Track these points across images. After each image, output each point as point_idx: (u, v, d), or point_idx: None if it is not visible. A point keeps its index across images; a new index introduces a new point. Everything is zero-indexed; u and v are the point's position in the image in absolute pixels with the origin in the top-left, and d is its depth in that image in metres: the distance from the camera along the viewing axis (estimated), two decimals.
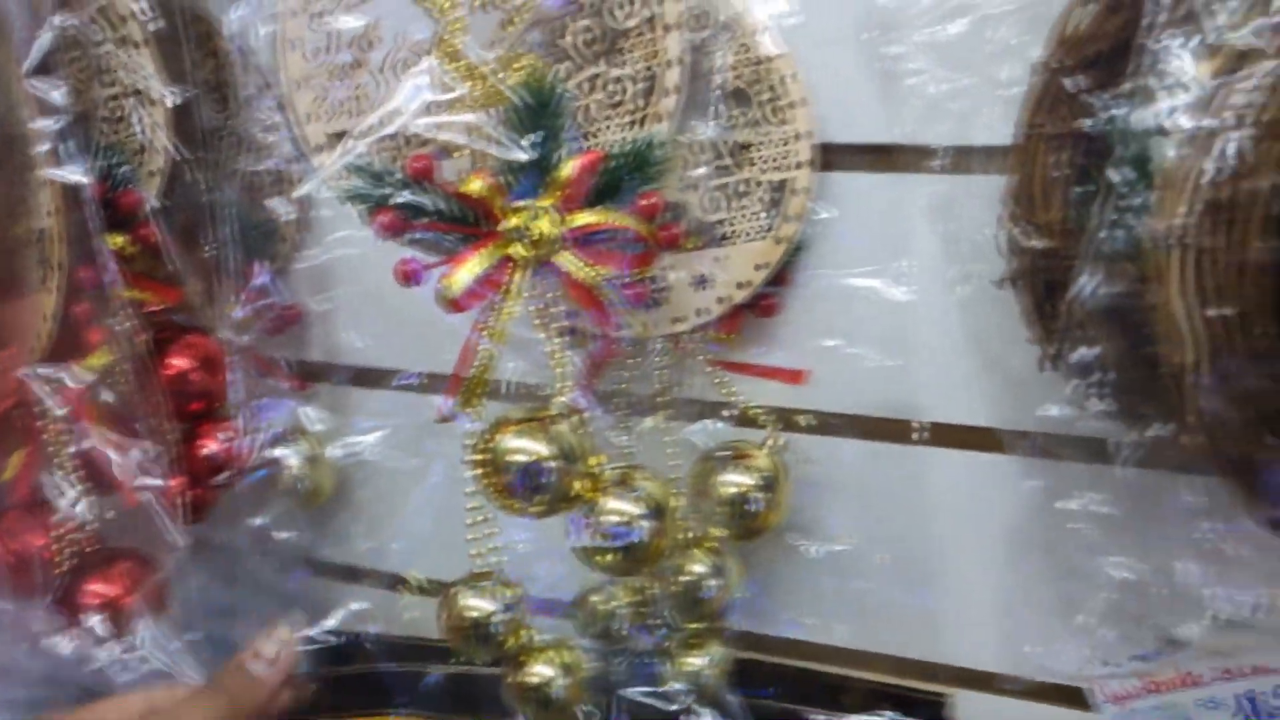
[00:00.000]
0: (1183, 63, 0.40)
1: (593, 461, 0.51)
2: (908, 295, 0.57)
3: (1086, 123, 0.46)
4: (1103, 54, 0.46)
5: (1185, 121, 0.40)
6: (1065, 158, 0.48)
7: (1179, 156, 0.40)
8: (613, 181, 0.51)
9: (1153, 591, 0.51)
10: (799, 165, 0.56)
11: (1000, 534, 0.57)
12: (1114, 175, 0.43)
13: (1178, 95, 0.40)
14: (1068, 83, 0.47)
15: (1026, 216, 0.49)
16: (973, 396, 0.56)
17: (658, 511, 0.52)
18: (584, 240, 0.51)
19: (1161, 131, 0.41)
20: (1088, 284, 0.44)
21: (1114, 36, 0.45)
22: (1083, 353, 0.45)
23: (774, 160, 0.56)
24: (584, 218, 0.50)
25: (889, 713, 0.61)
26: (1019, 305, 0.51)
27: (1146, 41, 0.41)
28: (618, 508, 0.51)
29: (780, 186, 0.56)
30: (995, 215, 0.51)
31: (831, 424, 0.60)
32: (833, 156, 0.57)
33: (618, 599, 0.60)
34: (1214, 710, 0.57)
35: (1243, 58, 0.40)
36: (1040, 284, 0.49)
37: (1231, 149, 0.39)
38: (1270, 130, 0.39)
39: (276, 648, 0.56)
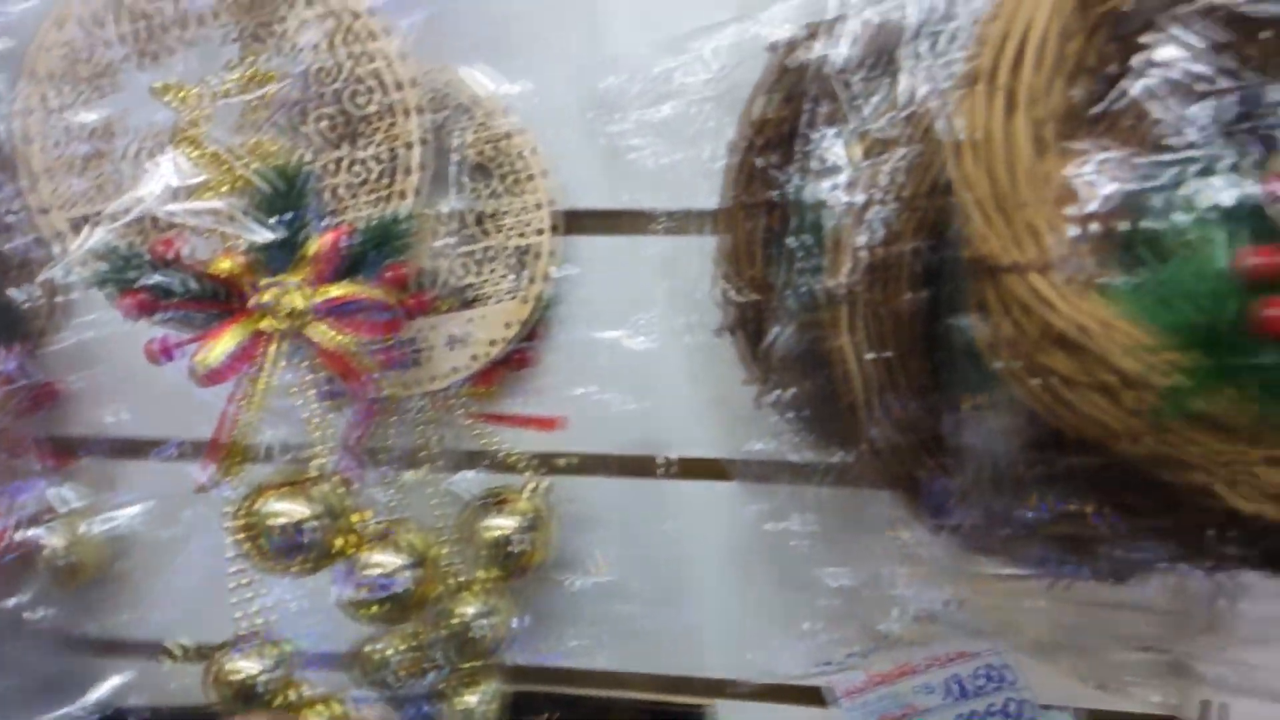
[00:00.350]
0: (836, 148, 0.48)
1: (355, 518, 0.54)
2: (646, 344, 0.63)
3: (774, 194, 0.53)
4: (783, 136, 0.53)
5: (843, 196, 0.48)
6: (761, 224, 0.54)
7: (840, 225, 0.48)
8: (360, 255, 0.54)
9: (864, 595, 0.59)
10: (540, 231, 0.61)
11: (736, 554, 0.64)
12: (793, 241, 0.50)
13: (835, 175, 0.48)
14: (757, 160, 0.54)
15: (734, 274, 0.56)
16: (706, 432, 0.63)
17: (420, 561, 0.55)
18: (335, 311, 0.54)
19: (825, 205, 0.48)
20: (780, 333, 0.52)
21: (791, 121, 0.52)
22: (779, 393, 0.52)
23: (517, 228, 0.61)
24: (334, 290, 0.53)
25: None
26: (736, 351, 0.57)
27: (808, 132, 0.49)
28: (379, 560, 0.54)
29: (525, 251, 0.61)
30: (711, 272, 0.57)
31: (588, 464, 0.65)
32: (574, 221, 0.62)
33: (393, 647, 0.62)
34: (930, 694, 0.65)
35: (884, 144, 0.47)
36: (750, 332, 0.56)
37: (879, 219, 0.47)
38: (909, 204, 0.47)
39: None
